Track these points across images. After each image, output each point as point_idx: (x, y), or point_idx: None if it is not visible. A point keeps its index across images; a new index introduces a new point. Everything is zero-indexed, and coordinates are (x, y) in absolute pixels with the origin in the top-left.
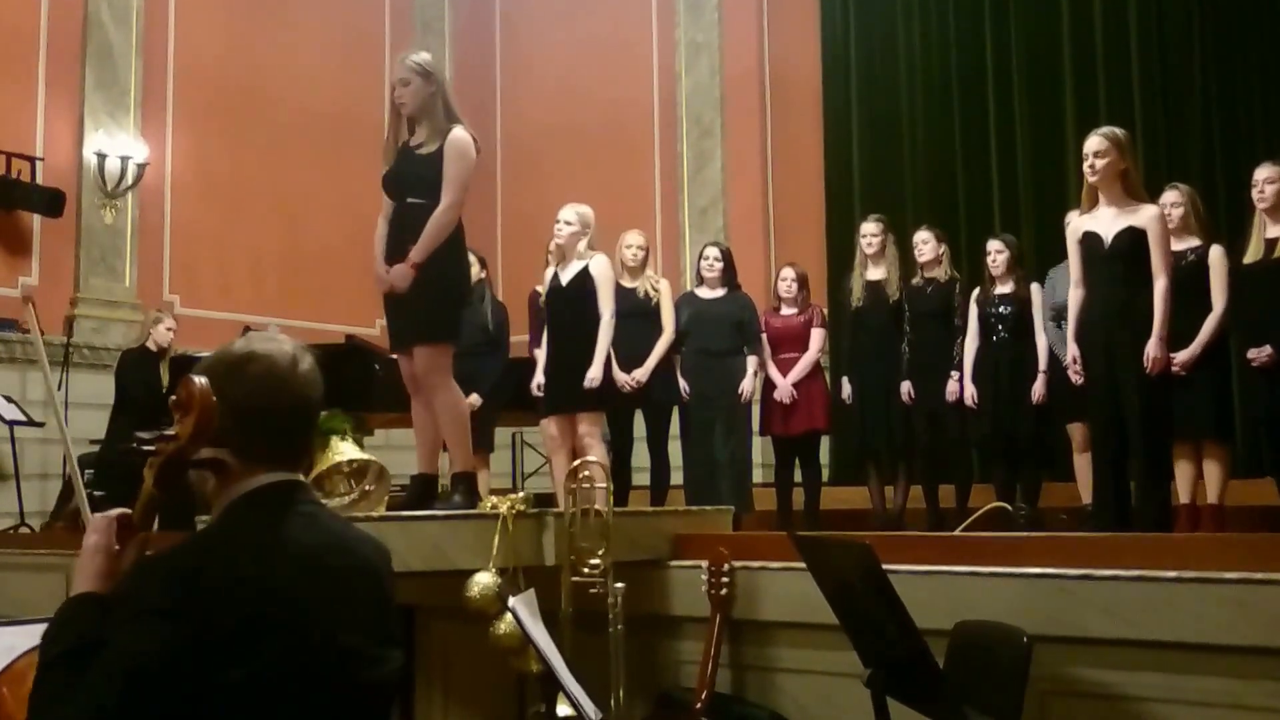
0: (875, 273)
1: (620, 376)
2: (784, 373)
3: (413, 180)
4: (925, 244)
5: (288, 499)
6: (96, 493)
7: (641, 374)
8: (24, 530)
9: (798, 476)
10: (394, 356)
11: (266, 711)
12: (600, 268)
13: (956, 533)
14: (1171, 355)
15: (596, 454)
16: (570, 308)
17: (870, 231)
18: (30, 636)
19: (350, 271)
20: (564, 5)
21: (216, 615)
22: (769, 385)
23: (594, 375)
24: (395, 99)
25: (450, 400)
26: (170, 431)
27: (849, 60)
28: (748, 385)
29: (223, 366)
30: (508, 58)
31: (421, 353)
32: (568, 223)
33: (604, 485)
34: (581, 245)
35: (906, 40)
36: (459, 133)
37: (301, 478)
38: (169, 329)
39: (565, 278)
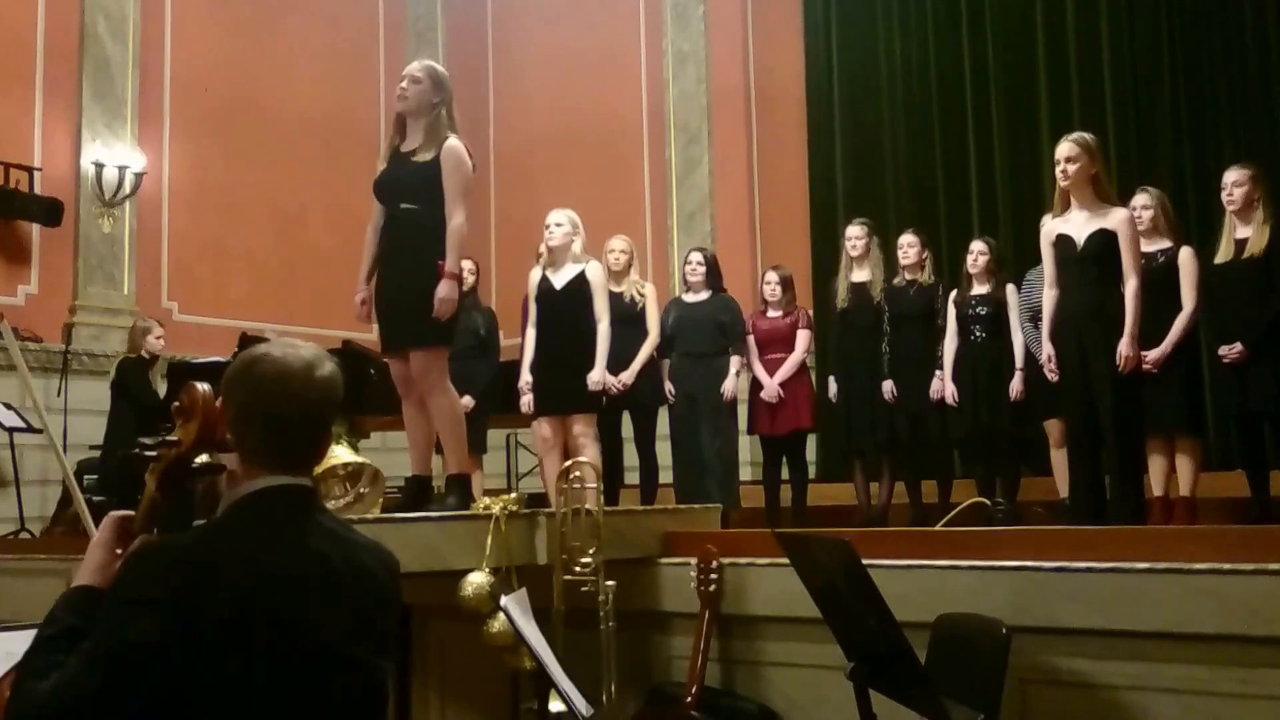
0: (860, 275)
1: (608, 379)
2: (771, 373)
3: (406, 186)
4: (911, 247)
5: (291, 502)
6: (96, 498)
7: (627, 377)
8: (24, 536)
9: (786, 474)
10: (386, 360)
11: (251, 711)
12: (597, 273)
13: (937, 528)
14: (1143, 353)
15: (590, 454)
16: (564, 311)
17: (855, 235)
18: (30, 641)
19: (346, 277)
20: (554, 16)
21: (208, 610)
22: (757, 385)
23: (596, 378)
24: (399, 93)
25: (446, 403)
26: (173, 437)
27: (831, 69)
28: (729, 385)
29: (236, 367)
30: (499, 68)
31: (418, 356)
32: (559, 225)
33: (595, 485)
34: (575, 247)
35: (887, 50)
36: (454, 142)
37: (308, 483)
38: (158, 338)
39: (560, 281)
